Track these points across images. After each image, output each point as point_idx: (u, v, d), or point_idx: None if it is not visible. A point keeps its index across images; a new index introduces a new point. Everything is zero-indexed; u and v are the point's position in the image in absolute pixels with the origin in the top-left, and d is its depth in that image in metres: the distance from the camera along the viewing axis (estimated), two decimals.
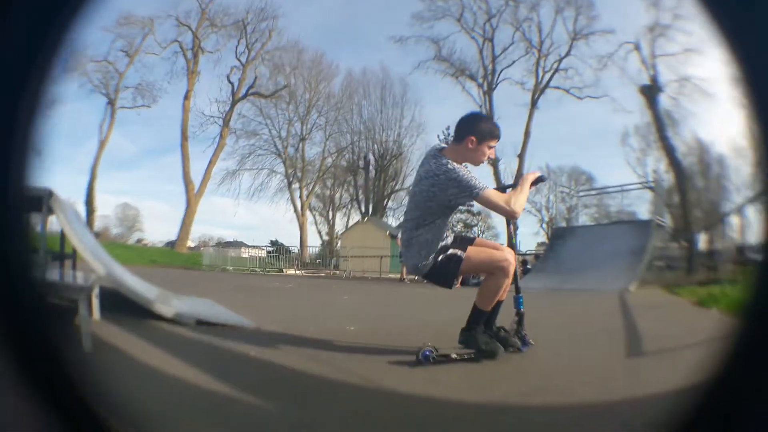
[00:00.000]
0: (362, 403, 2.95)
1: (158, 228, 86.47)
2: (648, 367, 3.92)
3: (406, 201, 35.80)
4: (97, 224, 41.07)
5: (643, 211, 18.11)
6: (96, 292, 4.75)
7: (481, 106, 40.82)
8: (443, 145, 4.30)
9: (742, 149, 36.98)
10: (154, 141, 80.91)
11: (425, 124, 46.47)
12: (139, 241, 49.60)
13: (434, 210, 4.03)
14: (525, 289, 11.36)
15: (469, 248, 4.11)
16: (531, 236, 52.34)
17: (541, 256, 19.30)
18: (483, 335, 4.00)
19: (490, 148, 4.13)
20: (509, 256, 4.03)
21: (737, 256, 15.27)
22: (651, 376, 3.47)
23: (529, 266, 19.84)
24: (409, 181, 43.31)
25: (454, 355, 3.84)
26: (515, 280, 4.26)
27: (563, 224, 40.44)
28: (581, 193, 39.55)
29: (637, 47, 32.13)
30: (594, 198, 36.41)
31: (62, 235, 6.61)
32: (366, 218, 38.99)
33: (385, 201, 46.26)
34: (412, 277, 18.25)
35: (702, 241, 35.74)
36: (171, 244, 40.49)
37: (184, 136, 39.98)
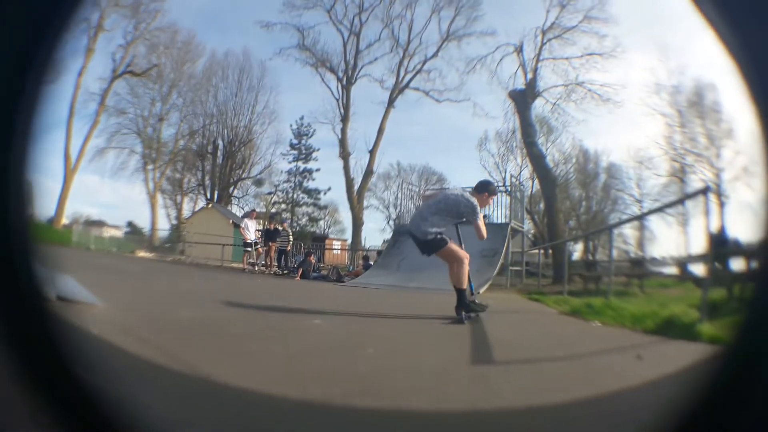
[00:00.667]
0: (185, 389, 2.92)
1: (44, 204, 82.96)
2: (494, 377, 3.61)
3: (252, 190, 35.67)
4: None
5: (499, 215, 18.20)
6: None
7: (338, 99, 41.14)
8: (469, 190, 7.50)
9: (646, 159, 39.00)
10: (50, 116, 77.81)
11: (278, 111, 46.15)
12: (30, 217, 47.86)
13: (452, 216, 7.13)
14: (367, 285, 12.05)
15: (450, 242, 7.00)
16: (378, 232, 53.02)
17: (383, 252, 19.25)
18: (471, 303, 6.90)
19: (490, 198, 7.57)
20: (467, 255, 7.12)
21: (634, 269, 15.90)
22: (499, 387, 3.29)
23: (370, 262, 20.00)
24: (257, 169, 43.31)
25: (473, 315, 6.76)
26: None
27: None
28: (429, 192, 40.48)
29: (520, 50, 32.43)
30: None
31: None
32: (210, 205, 38.24)
33: (231, 188, 45.66)
34: (260, 267, 18.11)
35: (578, 251, 37.33)
36: (50, 221, 38.87)
37: (72, 113, 38.12)
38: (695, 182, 35.18)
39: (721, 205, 29.93)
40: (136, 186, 47.53)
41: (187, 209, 45.58)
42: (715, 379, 1.06)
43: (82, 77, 38.23)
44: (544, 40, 31.79)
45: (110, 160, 43.85)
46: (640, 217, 42.57)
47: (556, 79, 32.61)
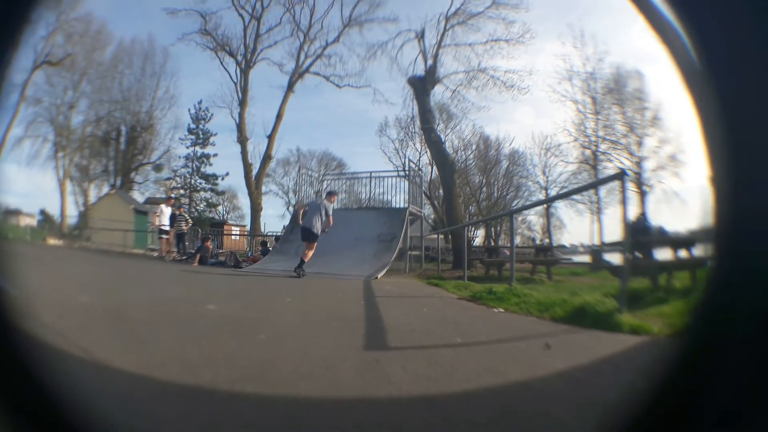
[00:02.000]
0: (73, 375, 2.68)
1: None
2: (388, 364, 3.47)
3: (151, 176, 35.41)
4: None
5: (398, 200, 18.25)
6: None
7: (236, 84, 40.41)
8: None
9: (553, 146, 39.13)
10: None
11: (178, 96, 45.43)
12: None
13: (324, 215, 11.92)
14: (263, 270, 12.42)
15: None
16: (277, 218, 52.64)
17: (281, 237, 19.32)
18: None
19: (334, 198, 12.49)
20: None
21: (540, 256, 15.84)
22: (393, 374, 3.19)
23: (269, 247, 20.12)
24: (156, 155, 42.90)
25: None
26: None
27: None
28: (329, 177, 40.49)
29: (421, 36, 31.69)
30: (344, 183, 36.95)
31: None
32: (113, 191, 37.55)
33: (132, 174, 44.95)
34: (173, 254, 18.09)
35: (480, 236, 37.66)
36: None
37: None
38: (610, 170, 34.71)
39: (642, 194, 30.97)
40: (48, 173, 46.26)
41: (93, 196, 44.69)
42: (668, 370, 1.04)
43: (7, 70, 37.67)
44: (447, 26, 31.24)
45: (26, 148, 42.65)
46: (545, 202, 42.86)
47: (458, 66, 32.61)
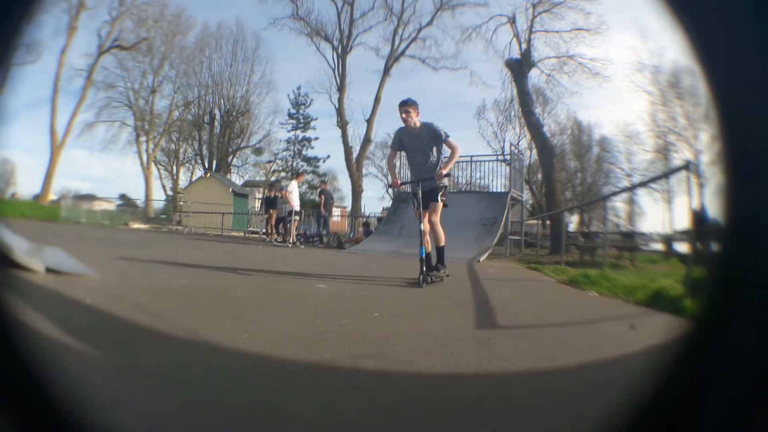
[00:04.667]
0: (186, 354, 2.91)
1: (28, 181, 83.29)
2: (499, 342, 3.57)
3: (251, 159, 35.85)
4: None
5: (498, 185, 17.99)
6: None
7: (333, 69, 41.50)
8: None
9: (634, 134, 39.27)
10: (32, 95, 77.86)
11: (275, 81, 46.57)
12: (13, 195, 47.66)
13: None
14: (367, 251, 12.65)
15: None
16: (377, 200, 53.25)
17: (384, 219, 19.18)
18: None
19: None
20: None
21: (625, 242, 15.80)
22: (504, 351, 3.25)
23: (371, 228, 20.05)
24: (255, 139, 43.68)
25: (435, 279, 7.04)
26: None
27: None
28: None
29: (513, 21, 32.02)
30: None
31: None
32: (209, 174, 38.28)
33: (230, 158, 45.86)
34: (275, 236, 17.71)
35: (574, 222, 37.62)
36: (36, 197, 38.87)
37: (56, 89, 38.98)
38: (677, 161, 36.12)
39: (701, 185, 30.09)
40: (129, 158, 47.72)
41: (183, 179, 45.80)
42: (675, 356, 1.06)
43: (65, 55, 38.88)
44: (535, 13, 31.55)
45: (100, 134, 44.10)
46: (630, 190, 43.14)
47: (549, 51, 32.73)
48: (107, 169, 78.87)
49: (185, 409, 2.01)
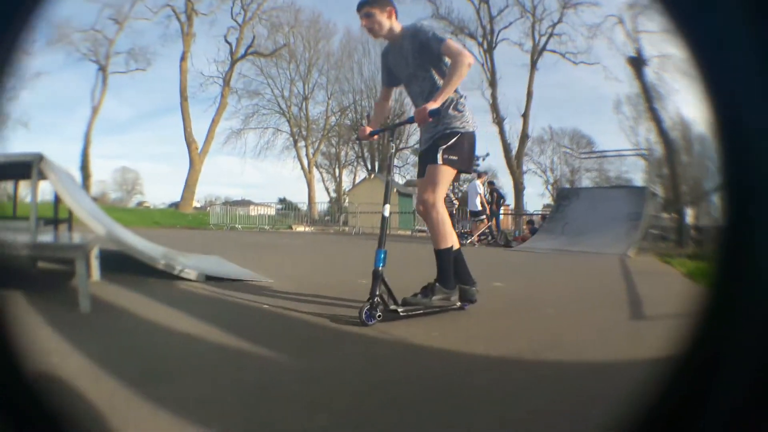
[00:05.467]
0: (375, 353, 3.02)
1: (159, 190, 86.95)
2: (648, 332, 3.70)
3: (411, 159, 35.66)
4: (94, 190, 41.66)
5: (638, 179, 17.80)
6: (95, 252, 4.78)
7: (483, 65, 41.10)
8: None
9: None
10: (150, 104, 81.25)
11: None
12: (140, 204, 49.75)
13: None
14: (533, 249, 12.40)
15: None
16: (537, 197, 52.48)
17: (548, 216, 19.06)
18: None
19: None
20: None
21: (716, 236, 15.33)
22: (652, 341, 3.15)
23: (536, 226, 19.85)
24: (413, 140, 44.01)
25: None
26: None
27: (567, 186, 40.91)
28: (583, 156, 39.92)
29: (621, 21, 32.73)
30: (594, 161, 36.72)
31: (56, 199, 6.62)
32: (373, 175, 38.99)
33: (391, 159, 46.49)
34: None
35: (689, 215, 36.12)
36: (175, 205, 40.49)
37: (183, 97, 40.09)
38: None
39: None
40: (287, 163, 49.22)
41: (346, 181, 46.86)
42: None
43: (186, 62, 40.01)
44: (634, 14, 31.39)
45: (251, 141, 45.57)
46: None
47: (652, 51, 31.45)
48: (262, 175, 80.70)
49: (386, 408, 2.11)
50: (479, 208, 16.68)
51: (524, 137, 41.02)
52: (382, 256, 3.83)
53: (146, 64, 40.59)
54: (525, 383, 2.51)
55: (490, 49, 41.35)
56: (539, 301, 4.95)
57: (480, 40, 41.41)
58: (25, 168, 4.95)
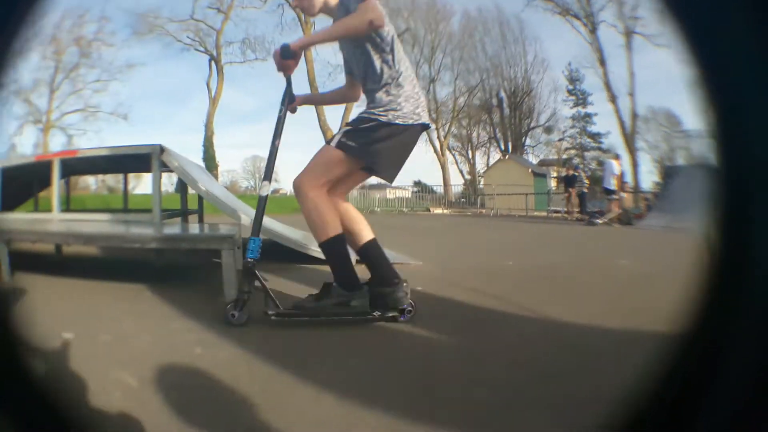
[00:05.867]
0: (525, 332, 3.02)
1: (292, 177, 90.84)
2: None
3: (542, 138, 35.69)
4: (222, 179, 43.70)
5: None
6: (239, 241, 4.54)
7: (591, 44, 41.95)
8: None
9: None
10: (277, 92, 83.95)
11: (548, 59, 46.71)
12: (275, 191, 51.27)
13: None
14: (650, 227, 12.39)
15: None
16: (647, 174, 51.24)
17: (659, 194, 19.04)
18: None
19: None
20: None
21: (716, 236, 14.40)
22: None
23: (651, 204, 19.81)
24: (544, 117, 43.54)
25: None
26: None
27: (672, 164, 41.00)
28: (680, 134, 40.77)
29: None
30: (686, 140, 36.97)
31: (183, 190, 6.73)
32: (507, 156, 38.74)
33: (523, 138, 46.15)
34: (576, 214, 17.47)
35: None
36: None
37: (313, 87, 40.58)
38: None
39: None
40: (420, 146, 49.80)
41: (480, 163, 46.97)
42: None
43: (309, 51, 40.45)
44: None
45: None
46: None
47: None
48: None
49: (537, 382, 2.16)
50: (613, 187, 16.44)
51: (634, 115, 41.22)
52: (255, 246, 3.24)
53: (266, 54, 41.55)
54: (645, 349, 2.33)
55: (594, 29, 41.76)
56: (659, 279, 4.72)
57: (584, 21, 41.75)
58: (143, 160, 5.03)
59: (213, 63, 41.77)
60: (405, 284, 3.23)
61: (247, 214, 4.89)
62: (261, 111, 77.31)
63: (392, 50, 3.27)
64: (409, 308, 3.22)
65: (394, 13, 43.12)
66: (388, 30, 3.24)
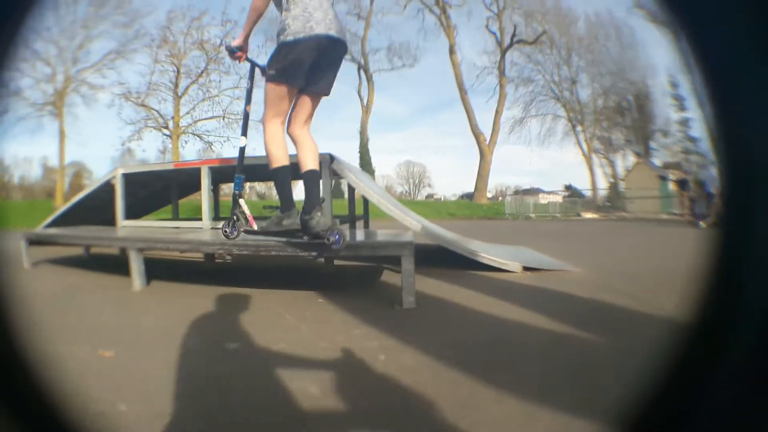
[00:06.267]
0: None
1: (445, 182, 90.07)
2: None
3: (661, 141, 34.22)
4: (378, 184, 43.50)
5: None
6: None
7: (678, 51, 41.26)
8: None
9: None
10: (425, 99, 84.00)
11: (656, 64, 45.61)
12: (429, 196, 51.61)
13: None
14: None
15: None
16: None
17: None
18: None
19: None
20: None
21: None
22: None
23: None
24: (661, 121, 42.97)
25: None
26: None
27: None
28: None
29: None
30: None
31: (351, 197, 6.88)
32: (640, 160, 37.78)
33: (649, 142, 45.18)
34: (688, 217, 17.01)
35: None
36: (468, 196, 41.48)
37: (462, 90, 41.54)
38: None
39: None
40: (569, 149, 49.26)
41: (621, 166, 46.15)
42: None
43: (455, 55, 41.79)
44: None
45: (534, 128, 46.18)
46: None
47: None
48: (546, 162, 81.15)
49: None
50: (712, 190, 15.91)
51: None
52: (239, 181, 4.28)
53: (412, 60, 41.86)
54: None
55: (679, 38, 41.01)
56: None
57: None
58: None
59: (361, 71, 42.50)
60: (319, 215, 3.86)
61: (416, 220, 5.39)
62: (411, 117, 78.36)
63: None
64: (332, 236, 3.89)
65: (528, 17, 43.71)
66: None
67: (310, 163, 3.94)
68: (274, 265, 6.88)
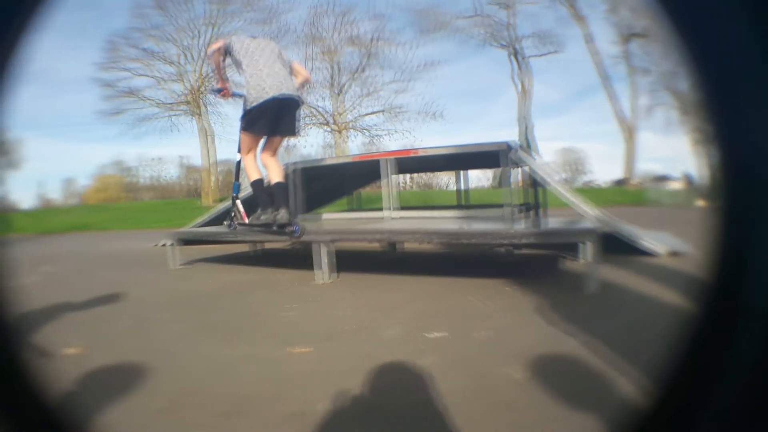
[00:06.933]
0: None
1: (601, 167, 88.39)
2: None
3: None
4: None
5: None
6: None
7: None
8: None
9: None
10: (575, 84, 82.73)
11: None
12: (587, 182, 50.79)
13: None
14: None
15: None
16: None
17: None
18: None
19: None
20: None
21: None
22: None
23: None
24: None
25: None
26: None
27: None
28: None
29: None
30: None
31: (534, 185, 7.01)
32: None
33: None
34: None
35: None
36: (619, 183, 40.93)
37: (601, 77, 41.26)
38: None
39: None
40: (682, 138, 47.93)
41: None
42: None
43: (590, 43, 41.04)
44: None
45: (658, 115, 45.07)
46: None
47: None
48: (671, 149, 79.01)
49: None
50: None
51: None
52: (236, 186, 6.19)
53: (558, 46, 41.49)
54: None
55: None
56: None
57: None
58: (492, 156, 5.81)
59: (513, 57, 42.54)
60: (283, 212, 5.44)
61: (590, 207, 5.69)
62: (566, 102, 77.29)
63: (236, 61, 5.50)
64: (293, 227, 5.51)
65: (633, 10, 42.29)
66: (231, 48, 5.53)
67: (275, 178, 5.60)
68: (452, 254, 7.27)
